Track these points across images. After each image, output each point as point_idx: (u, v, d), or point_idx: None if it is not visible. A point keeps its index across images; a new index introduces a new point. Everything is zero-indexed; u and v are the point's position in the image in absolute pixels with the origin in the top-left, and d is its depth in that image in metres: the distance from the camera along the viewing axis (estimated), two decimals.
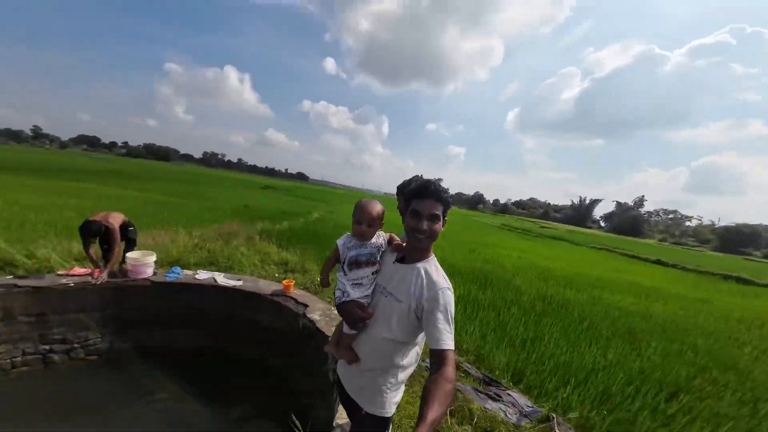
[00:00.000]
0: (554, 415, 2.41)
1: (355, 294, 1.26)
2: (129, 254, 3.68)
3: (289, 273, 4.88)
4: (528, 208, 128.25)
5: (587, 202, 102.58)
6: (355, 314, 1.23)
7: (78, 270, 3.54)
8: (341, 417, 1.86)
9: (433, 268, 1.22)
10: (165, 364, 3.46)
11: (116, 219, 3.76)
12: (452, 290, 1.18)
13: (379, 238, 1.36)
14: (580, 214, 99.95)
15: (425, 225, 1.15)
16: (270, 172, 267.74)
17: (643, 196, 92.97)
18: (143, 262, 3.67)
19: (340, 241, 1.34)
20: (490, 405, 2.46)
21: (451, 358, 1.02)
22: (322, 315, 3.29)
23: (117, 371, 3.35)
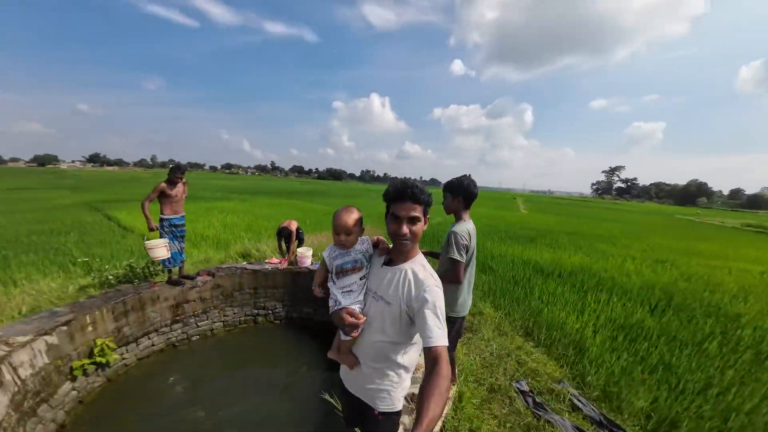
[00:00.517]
0: None
1: (346, 301, 1.27)
2: (299, 249, 5.26)
3: None
4: None
5: None
6: (346, 321, 1.23)
7: (274, 259, 5.39)
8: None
9: (419, 267, 1.22)
10: (313, 331, 4.69)
11: (293, 224, 5.47)
12: (441, 287, 1.17)
13: (364, 243, 1.36)
14: None
15: (405, 228, 1.15)
16: None
17: None
18: (305, 254, 5.13)
19: (325, 253, 1.37)
20: None
21: (443, 354, 1.00)
22: None
23: (291, 332, 4.81)
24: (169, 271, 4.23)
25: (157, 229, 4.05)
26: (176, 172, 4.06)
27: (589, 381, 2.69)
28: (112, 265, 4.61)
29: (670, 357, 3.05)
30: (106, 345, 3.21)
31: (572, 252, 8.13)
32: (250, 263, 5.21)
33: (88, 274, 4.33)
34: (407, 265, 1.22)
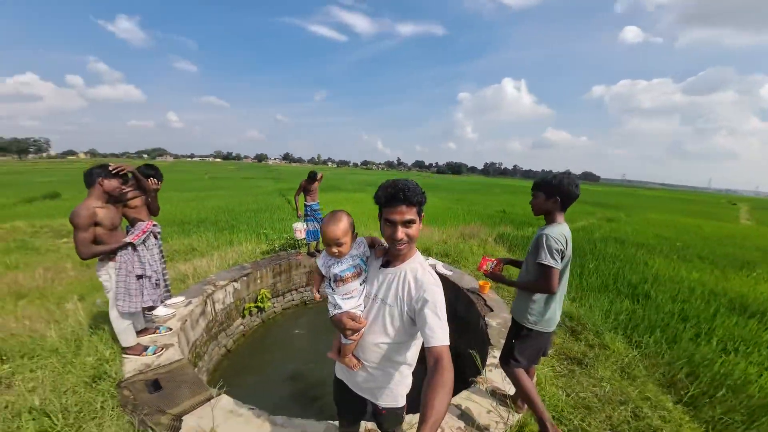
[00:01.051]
0: None
1: (347, 306, 1.24)
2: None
3: None
4: None
5: None
6: (348, 326, 1.21)
7: None
8: None
9: (418, 267, 1.20)
10: None
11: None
12: (440, 285, 1.16)
13: (360, 246, 1.31)
14: None
15: (400, 233, 1.11)
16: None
17: None
18: None
19: (319, 261, 1.34)
20: None
21: (445, 352, 1.00)
22: (500, 323, 3.21)
23: None
24: (308, 245, 5.58)
25: (302, 215, 5.42)
26: (312, 177, 5.34)
27: None
28: (280, 237, 6.45)
29: None
30: (266, 295, 4.61)
31: None
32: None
33: (265, 242, 6.23)
34: (406, 266, 1.21)
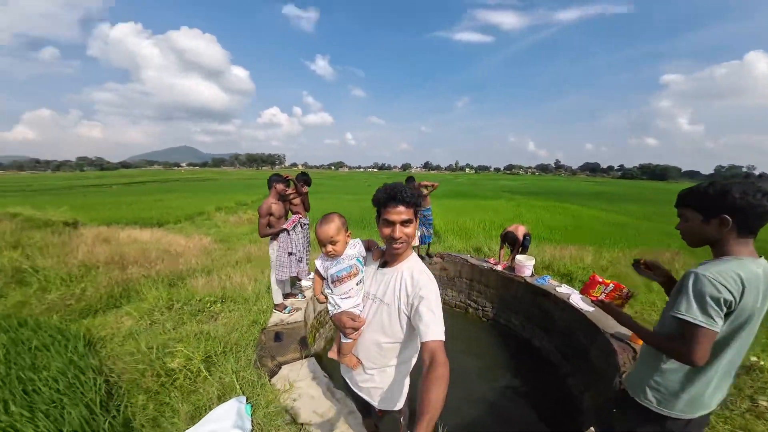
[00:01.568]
0: None
1: (345, 305, 1.30)
2: (518, 256, 5.02)
3: None
4: None
5: None
6: (347, 324, 1.27)
7: (492, 259, 5.53)
8: None
9: (414, 266, 1.25)
10: (515, 344, 4.40)
11: (520, 230, 5.28)
12: (435, 283, 1.22)
13: (356, 246, 1.36)
14: None
15: (398, 232, 1.16)
16: None
17: None
18: (525, 263, 4.81)
19: (317, 262, 1.40)
20: None
21: (440, 346, 1.03)
22: None
23: (494, 335, 4.83)
24: (418, 248, 5.85)
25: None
26: (409, 182, 5.53)
27: None
28: None
29: None
30: None
31: None
32: (475, 257, 5.74)
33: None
34: (402, 266, 1.26)
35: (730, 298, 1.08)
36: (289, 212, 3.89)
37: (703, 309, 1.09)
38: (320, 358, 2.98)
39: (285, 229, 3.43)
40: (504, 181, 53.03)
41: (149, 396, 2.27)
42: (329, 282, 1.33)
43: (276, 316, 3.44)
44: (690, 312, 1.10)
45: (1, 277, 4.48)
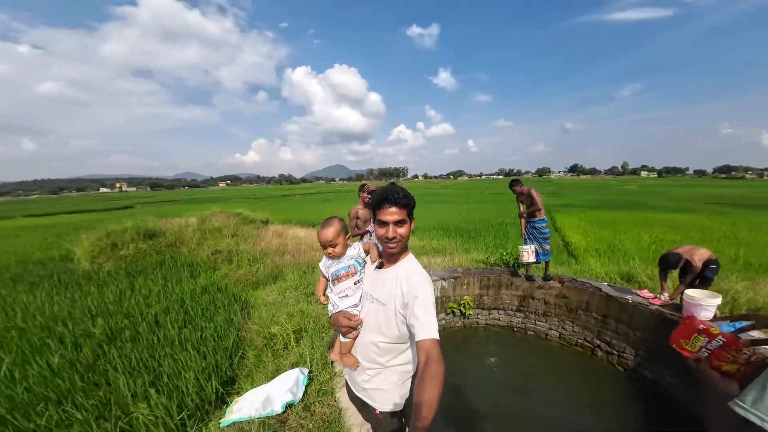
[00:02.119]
0: None
1: (343, 305, 1.35)
2: (688, 290, 3.42)
3: None
4: None
5: None
6: (343, 323, 1.32)
7: (646, 292, 3.94)
8: None
9: (410, 266, 1.27)
10: (662, 405, 2.98)
11: (701, 254, 3.63)
12: (431, 283, 1.23)
13: (355, 249, 1.44)
14: None
15: (392, 232, 1.19)
16: None
17: None
18: (699, 302, 3.23)
19: (321, 264, 1.48)
20: None
21: (434, 345, 1.03)
22: None
23: (631, 391, 3.47)
24: (529, 267, 4.98)
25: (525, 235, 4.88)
26: (511, 185, 4.82)
27: None
28: (497, 251, 6.26)
29: None
30: (468, 302, 4.83)
31: None
32: (614, 286, 4.33)
33: (493, 254, 6.35)
34: (398, 267, 1.29)
35: None
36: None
37: None
38: None
39: (368, 231, 3.81)
40: (711, 188, 36.03)
41: (255, 353, 3.07)
42: (330, 281, 1.43)
43: None
44: None
45: (220, 256, 7.07)
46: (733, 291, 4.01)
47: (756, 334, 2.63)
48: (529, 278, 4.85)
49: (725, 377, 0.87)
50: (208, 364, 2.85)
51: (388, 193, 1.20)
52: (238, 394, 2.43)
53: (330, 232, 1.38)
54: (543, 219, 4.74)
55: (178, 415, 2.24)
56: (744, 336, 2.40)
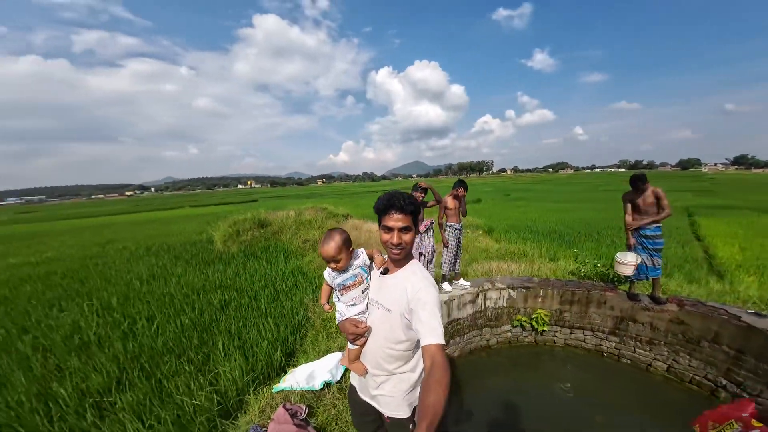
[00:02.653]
0: None
1: (351, 312, 1.35)
2: None
3: None
4: None
5: None
6: (350, 331, 1.33)
7: None
8: None
9: (415, 271, 1.27)
10: None
11: None
12: (435, 287, 1.22)
13: (359, 257, 1.40)
14: None
15: (397, 238, 1.20)
16: None
17: None
18: None
19: (325, 273, 1.44)
20: None
21: (439, 350, 1.03)
22: None
23: None
24: (632, 283, 4.03)
25: (632, 245, 3.92)
26: (639, 182, 3.76)
27: None
28: (588, 261, 5.18)
29: None
30: (542, 316, 4.23)
31: None
32: (758, 314, 3.14)
33: (573, 262, 5.39)
34: (403, 272, 1.29)
35: None
36: (424, 216, 4.17)
37: None
38: None
39: (418, 232, 3.76)
40: None
41: (314, 332, 3.47)
42: (337, 290, 1.41)
43: None
44: None
45: (308, 245, 8.10)
46: None
47: None
48: (633, 297, 3.93)
49: None
50: (280, 336, 3.41)
51: (394, 199, 1.20)
52: (294, 365, 2.83)
53: (331, 248, 1.31)
54: (658, 226, 3.75)
55: (248, 376, 2.78)
56: None
